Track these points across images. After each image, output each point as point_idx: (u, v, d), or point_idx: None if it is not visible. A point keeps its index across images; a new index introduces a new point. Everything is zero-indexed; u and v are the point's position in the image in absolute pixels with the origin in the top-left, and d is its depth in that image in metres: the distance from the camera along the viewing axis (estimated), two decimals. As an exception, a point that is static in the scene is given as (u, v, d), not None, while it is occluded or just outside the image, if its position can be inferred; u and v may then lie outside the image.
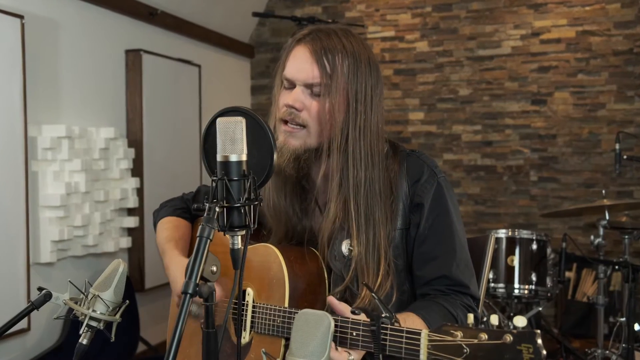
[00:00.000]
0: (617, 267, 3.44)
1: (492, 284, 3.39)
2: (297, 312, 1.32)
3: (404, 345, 1.23)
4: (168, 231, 1.77)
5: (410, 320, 1.41)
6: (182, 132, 4.21)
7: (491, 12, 4.78)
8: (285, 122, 1.54)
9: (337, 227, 1.54)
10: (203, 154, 1.28)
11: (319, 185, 1.62)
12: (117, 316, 1.41)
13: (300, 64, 1.53)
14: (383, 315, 1.26)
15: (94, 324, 1.38)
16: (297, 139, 1.53)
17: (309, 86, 1.52)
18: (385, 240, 1.54)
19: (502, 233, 3.46)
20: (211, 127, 1.24)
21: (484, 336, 1.09)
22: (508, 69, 4.75)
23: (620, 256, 3.49)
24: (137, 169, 3.70)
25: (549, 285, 3.42)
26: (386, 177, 1.57)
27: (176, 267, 1.64)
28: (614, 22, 4.54)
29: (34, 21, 3.03)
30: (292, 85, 1.55)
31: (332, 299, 1.38)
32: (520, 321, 1.07)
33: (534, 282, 3.38)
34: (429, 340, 1.17)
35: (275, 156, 1.24)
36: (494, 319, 1.10)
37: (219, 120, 1.18)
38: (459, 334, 1.12)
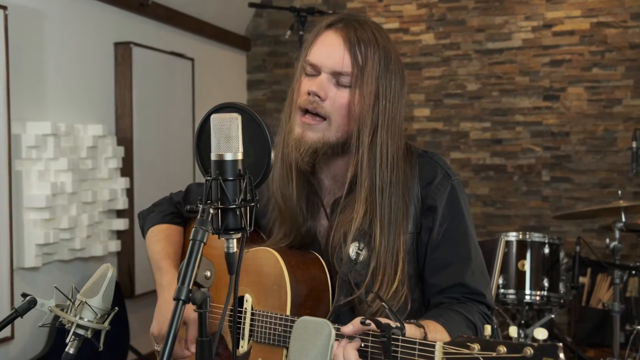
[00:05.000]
0: (634, 272, 3.44)
1: (502, 290, 3.39)
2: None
3: (417, 358, 1.22)
4: (161, 243, 1.75)
5: (432, 327, 1.40)
6: (175, 129, 4.21)
7: (501, 2, 4.78)
8: (305, 112, 1.53)
9: (352, 229, 1.54)
10: (196, 153, 1.28)
11: (326, 185, 1.63)
12: (106, 324, 1.41)
13: (330, 49, 1.51)
14: (394, 325, 1.25)
15: (81, 332, 1.38)
16: (316, 131, 1.52)
17: (335, 75, 1.51)
18: (404, 245, 1.54)
19: (512, 236, 3.46)
20: (205, 124, 1.24)
21: (502, 349, 1.08)
22: (519, 62, 4.75)
23: (637, 260, 3.49)
24: (126, 169, 3.70)
25: (562, 291, 3.42)
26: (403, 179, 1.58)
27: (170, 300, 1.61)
28: (630, 13, 4.54)
29: (17, 12, 3.03)
30: (316, 72, 1.53)
31: (345, 330, 1.33)
32: (540, 333, 1.06)
33: (546, 288, 3.38)
34: (444, 353, 1.16)
35: (272, 155, 1.24)
36: (513, 331, 1.10)
37: (213, 116, 1.18)
38: (476, 346, 1.11)
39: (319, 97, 1.50)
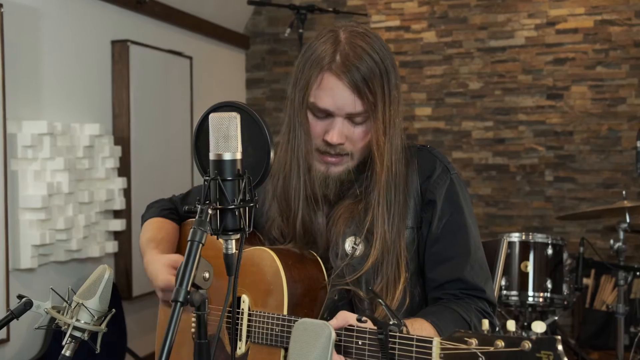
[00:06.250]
0: (638, 273, 3.43)
1: (504, 292, 3.39)
2: (296, 321, 1.32)
3: (414, 355, 1.23)
4: (150, 232, 1.78)
5: (418, 326, 1.41)
6: (172, 128, 4.21)
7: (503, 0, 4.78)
8: (322, 152, 1.56)
9: (348, 224, 1.56)
10: (195, 152, 1.28)
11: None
12: (103, 326, 1.41)
13: (338, 98, 1.52)
14: (391, 322, 1.25)
15: (77, 334, 1.38)
16: (340, 166, 1.57)
17: (349, 116, 1.53)
18: (404, 241, 1.56)
19: (515, 237, 3.45)
20: (203, 124, 1.24)
21: (500, 343, 1.09)
22: (521, 61, 4.75)
23: (641, 261, 3.49)
24: (123, 169, 3.70)
25: (565, 293, 3.42)
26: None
27: (153, 262, 1.64)
28: (635, 11, 4.54)
29: (13, 9, 3.03)
30: (326, 115, 1.55)
31: (330, 324, 1.36)
32: (539, 327, 1.07)
33: (549, 290, 3.38)
34: (441, 349, 1.16)
35: (272, 155, 1.24)
36: (511, 325, 1.10)
37: (211, 115, 1.19)
38: (474, 341, 1.11)
39: (340, 144, 1.54)
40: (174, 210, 1.86)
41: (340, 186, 1.58)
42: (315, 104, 1.54)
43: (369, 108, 1.52)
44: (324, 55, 1.53)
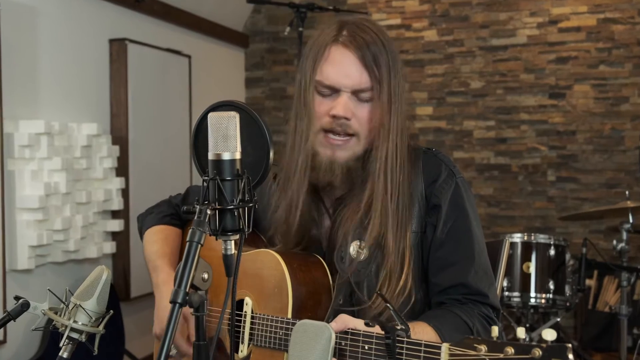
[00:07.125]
0: (641, 274, 3.43)
1: (506, 293, 3.39)
2: None
3: None
4: (158, 244, 1.76)
5: (419, 329, 1.41)
6: (171, 128, 4.21)
7: (505, -2, 4.79)
8: (327, 131, 1.54)
9: (353, 227, 1.55)
10: (193, 152, 1.28)
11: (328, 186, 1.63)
12: (101, 327, 1.41)
13: (345, 69, 1.52)
14: (398, 327, 1.25)
15: (75, 335, 1.38)
16: (347, 150, 1.55)
17: (356, 92, 1.52)
18: (409, 245, 1.55)
19: (517, 237, 3.46)
20: (202, 123, 1.24)
21: (510, 350, 1.08)
22: (524, 59, 4.75)
23: (645, 262, 3.49)
24: (122, 168, 3.70)
25: (567, 294, 3.42)
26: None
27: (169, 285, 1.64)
28: (638, 9, 4.54)
29: (10, 8, 3.03)
30: (333, 92, 1.54)
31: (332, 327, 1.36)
32: (549, 334, 1.06)
33: (551, 291, 3.38)
34: (450, 355, 1.16)
35: (271, 154, 1.24)
36: (521, 332, 1.09)
37: (210, 115, 1.19)
38: (483, 347, 1.11)
39: (346, 119, 1.52)
40: (175, 215, 1.84)
41: (347, 174, 1.55)
42: (320, 80, 1.54)
43: (375, 84, 1.52)
44: (329, 32, 1.56)
